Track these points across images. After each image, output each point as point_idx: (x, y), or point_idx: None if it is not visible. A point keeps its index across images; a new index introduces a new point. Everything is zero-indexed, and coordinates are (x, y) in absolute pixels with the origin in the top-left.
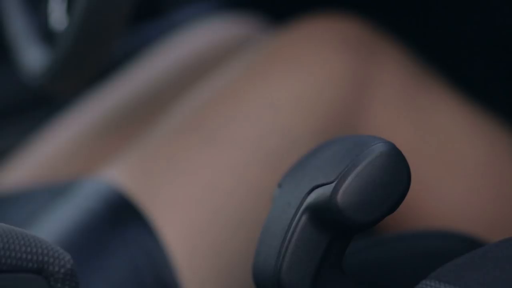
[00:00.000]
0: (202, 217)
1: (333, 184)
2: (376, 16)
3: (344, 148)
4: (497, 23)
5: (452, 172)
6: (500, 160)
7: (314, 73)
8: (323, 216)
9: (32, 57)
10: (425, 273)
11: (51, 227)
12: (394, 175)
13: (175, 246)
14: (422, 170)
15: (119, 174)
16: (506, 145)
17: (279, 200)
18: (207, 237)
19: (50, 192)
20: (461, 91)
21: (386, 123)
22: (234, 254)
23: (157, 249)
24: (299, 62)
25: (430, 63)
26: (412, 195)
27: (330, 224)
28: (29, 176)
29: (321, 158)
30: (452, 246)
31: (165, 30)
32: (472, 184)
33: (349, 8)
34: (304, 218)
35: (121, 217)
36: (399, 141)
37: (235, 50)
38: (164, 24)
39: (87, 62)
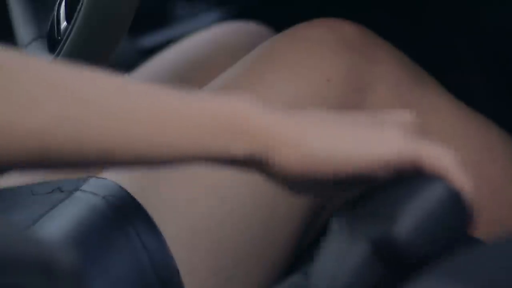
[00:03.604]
0: (203, 216)
1: (393, 221)
2: (374, 21)
3: (406, 187)
4: (495, 26)
5: None
6: (497, 160)
7: (312, 74)
8: (381, 251)
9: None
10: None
11: (53, 226)
12: (453, 215)
13: (176, 246)
14: None
15: (121, 173)
16: (502, 145)
17: (339, 231)
18: (208, 235)
19: (51, 191)
20: (458, 93)
21: None
22: (235, 254)
23: (159, 248)
24: (297, 63)
25: (427, 64)
26: None
27: (387, 259)
28: (29, 175)
29: (384, 194)
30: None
31: (169, 38)
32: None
33: (348, 18)
34: (362, 251)
35: (123, 216)
36: None
37: (235, 53)
38: (168, 33)
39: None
